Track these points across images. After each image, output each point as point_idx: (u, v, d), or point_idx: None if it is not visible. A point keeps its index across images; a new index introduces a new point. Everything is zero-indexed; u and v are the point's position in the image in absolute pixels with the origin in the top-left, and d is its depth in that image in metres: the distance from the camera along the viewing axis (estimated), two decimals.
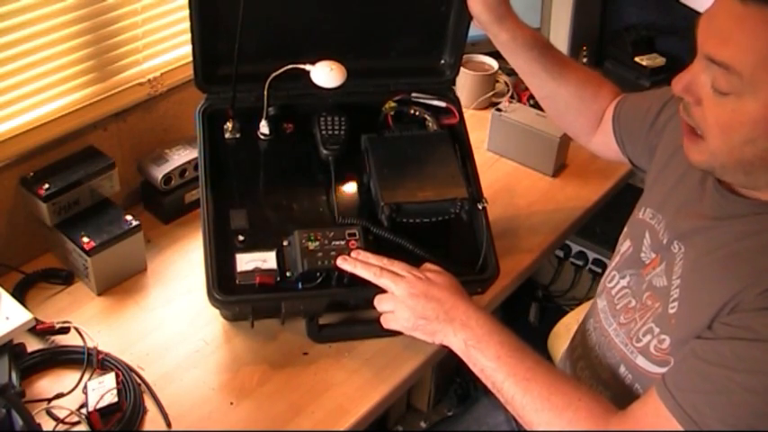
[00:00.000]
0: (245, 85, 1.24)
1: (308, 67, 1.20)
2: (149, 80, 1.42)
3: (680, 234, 1.03)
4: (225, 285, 1.14)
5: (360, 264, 1.13)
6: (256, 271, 1.15)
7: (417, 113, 1.36)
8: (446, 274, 1.13)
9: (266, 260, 1.16)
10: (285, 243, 1.19)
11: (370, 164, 1.25)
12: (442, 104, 1.38)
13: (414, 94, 1.37)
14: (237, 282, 1.14)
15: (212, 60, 1.25)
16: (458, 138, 1.34)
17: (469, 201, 1.23)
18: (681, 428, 0.89)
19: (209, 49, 1.23)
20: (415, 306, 1.09)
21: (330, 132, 1.28)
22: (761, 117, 0.86)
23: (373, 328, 1.18)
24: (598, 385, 1.13)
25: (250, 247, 1.18)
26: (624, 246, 1.17)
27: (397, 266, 1.13)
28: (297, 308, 1.14)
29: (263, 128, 1.28)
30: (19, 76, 1.25)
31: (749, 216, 0.96)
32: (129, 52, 1.40)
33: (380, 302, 1.12)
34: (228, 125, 1.27)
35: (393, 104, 1.35)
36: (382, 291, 1.11)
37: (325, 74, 1.21)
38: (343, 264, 1.14)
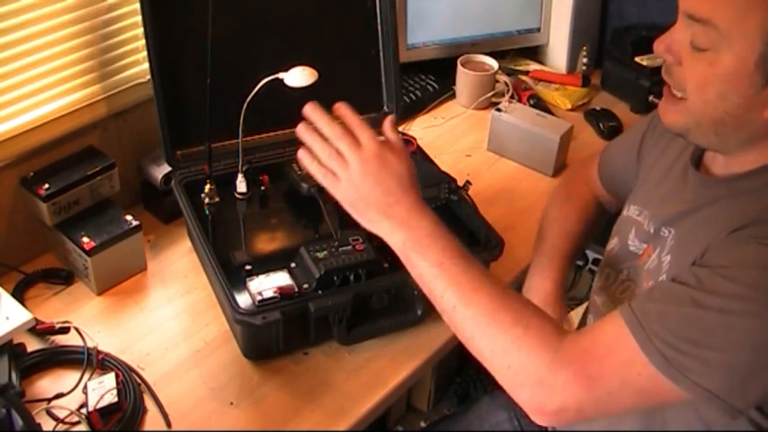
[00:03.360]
0: (214, 154, 1.29)
1: (281, 75, 1.23)
2: (149, 80, 1.42)
3: (666, 220, 1.05)
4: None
5: (315, 134, 1.05)
6: (273, 288, 1.15)
7: None
8: (408, 160, 1.04)
9: (280, 279, 1.17)
10: (293, 265, 1.20)
11: None
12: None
13: None
14: (256, 303, 1.13)
15: (180, 138, 1.32)
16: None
17: (455, 184, 1.31)
18: (627, 331, 0.88)
19: (176, 128, 1.31)
20: (361, 185, 1.01)
21: (305, 172, 1.29)
22: (733, 70, 0.89)
23: (399, 320, 1.21)
24: None
25: (259, 273, 1.18)
26: (611, 243, 1.18)
27: (359, 131, 1.03)
28: (325, 305, 1.14)
29: (240, 186, 1.33)
30: (19, 76, 1.25)
31: (728, 196, 0.98)
32: (129, 52, 1.40)
33: (331, 159, 1.03)
34: (207, 189, 1.30)
35: None
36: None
37: (298, 74, 1.24)
38: (302, 134, 1.05)
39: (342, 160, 1.02)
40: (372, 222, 1.02)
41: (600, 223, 1.32)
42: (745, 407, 0.87)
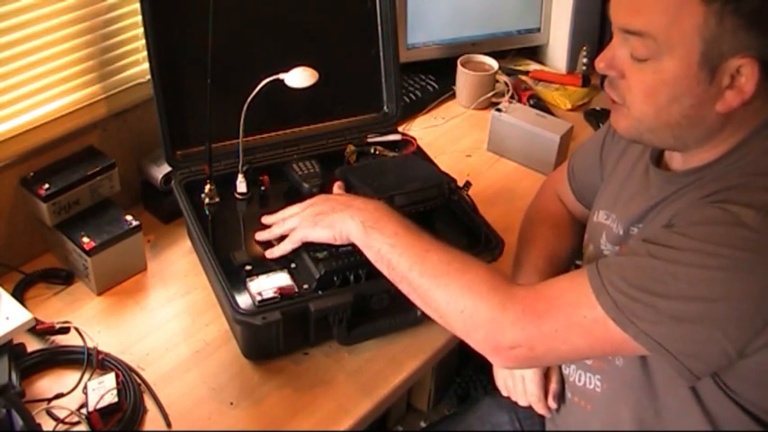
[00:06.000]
0: (214, 154, 1.29)
1: (281, 75, 1.24)
2: (149, 80, 1.42)
3: (634, 219, 1.06)
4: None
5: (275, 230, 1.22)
6: (274, 288, 1.15)
7: (378, 152, 1.46)
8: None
9: (280, 279, 1.17)
10: (293, 265, 1.20)
11: (352, 182, 1.30)
12: (398, 137, 1.49)
13: (369, 137, 1.48)
14: (256, 303, 1.13)
15: (180, 138, 1.33)
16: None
17: (455, 184, 1.32)
18: (586, 278, 0.92)
19: (176, 128, 1.32)
20: (313, 210, 1.18)
21: (306, 172, 1.36)
22: (681, 73, 0.90)
23: (399, 320, 1.22)
24: (587, 373, 1.12)
25: (259, 273, 1.18)
26: (588, 251, 1.19)
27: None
28: (325, 306, 1.14)
29: (240, 186, 1.33)
30: (19, 76, 1.26)
31: (691, 186, 0.99)
32: (129, 52, 1.40)
33: (284, 223, 1.21)
34: (207, 189, 1.30)
35: (353, 148, 1.46)
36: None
37: (299, 74, 1.24)
38: (261, 237, 1.23)
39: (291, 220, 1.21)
40: (335, 223, 1.13)
41: (580, 238, 1.28)
42: (700, 371, 0.89)
